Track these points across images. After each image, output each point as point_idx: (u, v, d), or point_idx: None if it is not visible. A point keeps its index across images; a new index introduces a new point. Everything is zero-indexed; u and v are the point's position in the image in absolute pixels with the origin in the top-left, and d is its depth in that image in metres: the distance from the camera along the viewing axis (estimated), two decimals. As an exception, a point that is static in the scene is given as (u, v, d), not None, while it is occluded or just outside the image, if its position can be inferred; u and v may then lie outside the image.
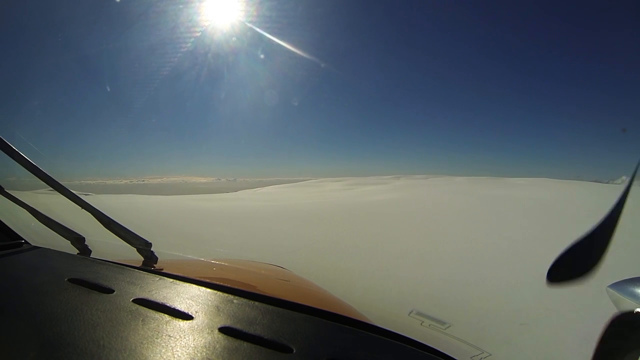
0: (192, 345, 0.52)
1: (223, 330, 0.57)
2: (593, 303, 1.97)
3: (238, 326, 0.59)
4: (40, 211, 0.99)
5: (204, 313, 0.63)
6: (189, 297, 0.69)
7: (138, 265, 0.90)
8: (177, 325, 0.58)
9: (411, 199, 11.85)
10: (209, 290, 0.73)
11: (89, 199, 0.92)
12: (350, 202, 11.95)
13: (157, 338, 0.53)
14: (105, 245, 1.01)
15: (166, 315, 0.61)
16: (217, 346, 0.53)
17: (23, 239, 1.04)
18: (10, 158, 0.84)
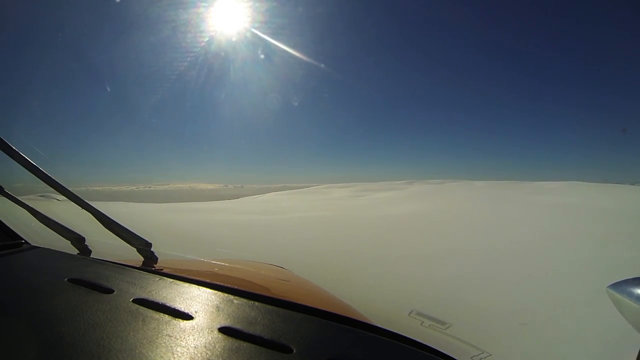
0: (192, 345, 0.52)
1: (223, 330, 0.57)
2: None
3: (238, 326, 0.59)
4: (40, 211, 0.99)
5: (204, 313, 0.63)
6: (189, 297, 0.69)
7: (138, 265, 0.90)
8: (177, 325, 0.58)
9: (444, 212, 8.69)
10: (209, 290, 0.73)
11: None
12: (364, 216, 8.77)
13: (157, 338, 0.53)
14: (105, 245, 1.01)
15: (166, 315, 0.61)
16: (217, 346, 0.53)
17: (23, 239, 1.04)
18: (11, 158, 0.85)
